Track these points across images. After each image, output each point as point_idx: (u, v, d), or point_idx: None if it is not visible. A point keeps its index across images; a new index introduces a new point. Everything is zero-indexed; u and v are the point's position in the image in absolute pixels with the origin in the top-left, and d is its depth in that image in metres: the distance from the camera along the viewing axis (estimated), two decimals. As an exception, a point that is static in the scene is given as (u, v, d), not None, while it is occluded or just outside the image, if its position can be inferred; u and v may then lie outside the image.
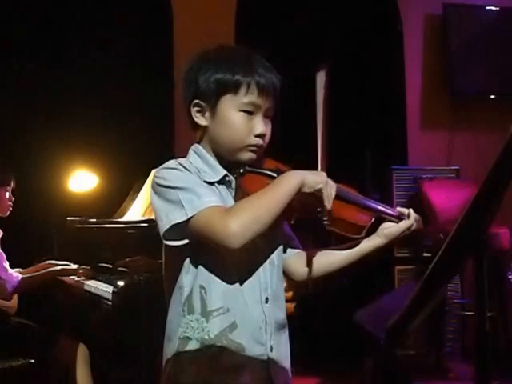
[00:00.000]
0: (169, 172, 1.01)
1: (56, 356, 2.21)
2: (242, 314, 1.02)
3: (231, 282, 1.02)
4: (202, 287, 1.01)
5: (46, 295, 2.57)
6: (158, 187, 1.01)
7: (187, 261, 1.02)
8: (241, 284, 1.02)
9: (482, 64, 3.44)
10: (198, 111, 1.06)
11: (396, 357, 2.27)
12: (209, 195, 0.98)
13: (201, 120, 1.06)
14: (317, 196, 0.99)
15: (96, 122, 2.98)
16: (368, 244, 1.12)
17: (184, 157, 1.10)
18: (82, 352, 2.22)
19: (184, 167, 1.02)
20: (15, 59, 2.96)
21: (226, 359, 1.00)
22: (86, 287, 2.23)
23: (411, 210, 1.13)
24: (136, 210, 2.44)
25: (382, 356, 2.13)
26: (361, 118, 3.28)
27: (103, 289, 2.09)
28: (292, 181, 0.98)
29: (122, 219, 2.48)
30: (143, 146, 2.97)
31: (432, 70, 3.58)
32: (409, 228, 1.11)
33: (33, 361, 2.16)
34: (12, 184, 2.38)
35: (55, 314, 2.54)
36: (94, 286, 2.17)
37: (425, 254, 2.86)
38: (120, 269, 2.18)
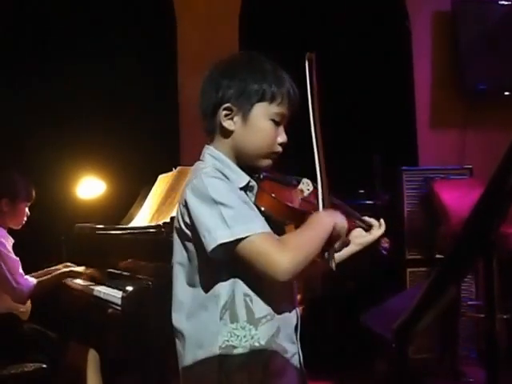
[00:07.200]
0: (210, 181, 1.01)
1: (67, 361, 2.22)
2: (283, 317, 1.06)
3: (274, 288, 1.04)
4: (246, 295, 1.02)
5: (57, 301, 2.58)
6: (200, 193, 1.01)
7: (226, 270, 1.03)
8: (281, 288, 1.05)
9: (494, 60, 3.39)
10: (227, 115, 1.07)
11: (407, 358, 2.24)
12: (254, 218, 1.00)
13: (228, 124, 1.07)
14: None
15: (103, 129, 2.99)
16: (345, 250, 1.19)
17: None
18: (92, 357, 2.24)
19: (224, 175, 1.04)
20: (21, 69, 2.99)
21: (276, 363, 1.05)
22: (95, 293, 2.24)
23: (382, 220, 1.24)
24: (143, 216, 2.44)
25: (393, 358, 2.10)
26: (369, 118, 3.25)
27: (112, 294, 2.08)
28: (329, 223, 1.04)
29: (130, 225, 2.48)
30: (150, 153, 2.97)
31: (442, 68, 3.54)
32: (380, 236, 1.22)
33: (44, 366, 2.18)
34: (32, 200, 2.42)
35: (65, 320, 2.55)
36: (103, 291, 2.18)
37: (437, 256, 2.82)
38: (128, 274, 2.18)
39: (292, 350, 1.07)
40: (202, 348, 1.04)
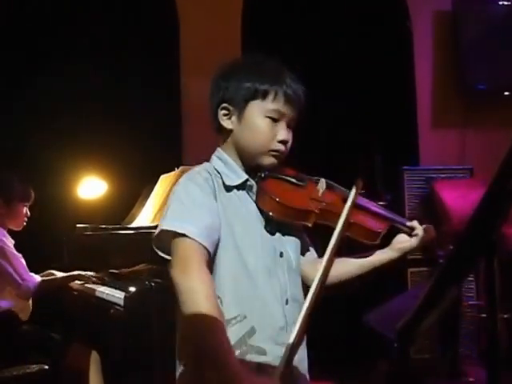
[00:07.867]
0: (187, 182, 1.05)
1: (68, 363, 2.22)
2: (261, 317, 1.04)
3: (247, 289, 1.04)
4: (217, 296, 1.02)
5: (59, 302, 2.58)
6: (176, 190, 1.06)
7: None
8: (261, 287, 1.05)
9: (494, 60, 3.39)
10: (225, 115, 1.11)
11: (409, 358, 2.24)
12: (197, 223, 0.98)
13: (227, 123, 1.11)
14: None
15: (104, 129, 2.99)
16: (382, 256, 1.18)
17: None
18: (94, 359, 2.24)
19: (203, 178, 1.05)
20: (21, 69, 2.99)
21: (247, 364, 1.02)
22: (97, 294, 2.24)
23: (422, 232, 1.17)
24: (145, 216, 2.45)
25: (396, 358, 2.10)
26: (371, 118, 3.25)
27: (115, 295, 2.09)
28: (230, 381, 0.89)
29: (132, 225, 2.48)
30: (152, 153, 2.98)
31: (443, 68, 3.54)
32: (423, 245, 1.17)
33: (46, 367, 2.18)
34: (31, 201, 2.42)
35: (67, 321, 2.55)
36: (106, 292, 2.18)
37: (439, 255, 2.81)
38: (131, 275, 2.18)
39: (277, 352, 1.03)
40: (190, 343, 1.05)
